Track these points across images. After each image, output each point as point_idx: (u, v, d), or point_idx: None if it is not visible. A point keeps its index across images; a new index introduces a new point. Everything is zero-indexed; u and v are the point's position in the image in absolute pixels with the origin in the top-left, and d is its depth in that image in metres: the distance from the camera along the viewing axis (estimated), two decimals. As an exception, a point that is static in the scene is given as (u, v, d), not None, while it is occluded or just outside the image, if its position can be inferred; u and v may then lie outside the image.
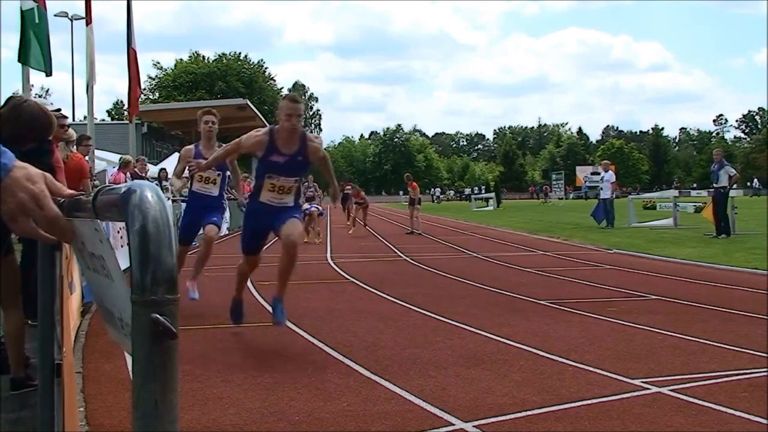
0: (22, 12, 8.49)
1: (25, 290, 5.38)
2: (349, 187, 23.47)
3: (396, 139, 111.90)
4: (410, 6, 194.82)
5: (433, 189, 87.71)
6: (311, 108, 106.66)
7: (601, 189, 20.40)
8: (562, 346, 5.11)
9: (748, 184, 76.78)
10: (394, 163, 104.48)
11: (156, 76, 66.17)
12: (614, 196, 20.34)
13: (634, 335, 5.52)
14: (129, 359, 1.04)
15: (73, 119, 31.39)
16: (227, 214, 21.25)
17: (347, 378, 4.33)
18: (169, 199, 12.82)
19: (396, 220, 26.83)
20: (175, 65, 67.74)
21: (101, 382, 4.27)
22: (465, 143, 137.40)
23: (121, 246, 8.61)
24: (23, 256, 5.39)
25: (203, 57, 70.23)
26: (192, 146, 7.15)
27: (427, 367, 4.55)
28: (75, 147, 7.84)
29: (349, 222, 21.22)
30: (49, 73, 9.14)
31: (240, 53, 71.80)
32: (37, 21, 8.74)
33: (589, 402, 3.77)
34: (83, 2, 11.74)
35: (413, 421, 3.50)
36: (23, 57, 8.52)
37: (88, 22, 11.73)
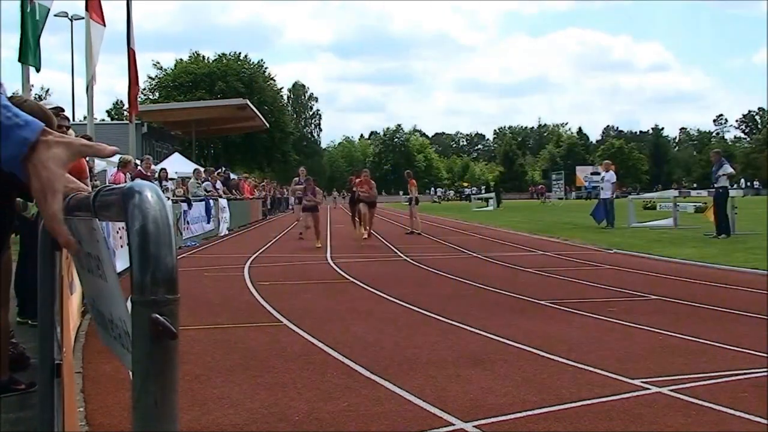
0: (23, 11, 8.48)
1: (24, 290, 5.38)
2: (359, 179, 18.05)
3: (396, 140, 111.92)
4: (410, 6, 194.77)
5: (434, 189, 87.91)
6: (311, 108, 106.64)
7: (602, 189, 20.38)
8: (562, 346, 5.10)
9: (748, 184, 76.70)
10: (394, 163, 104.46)
11: (156, 76, 66.14)
12: (614, 196, 20.33)
13: (634, 335, 5.52)
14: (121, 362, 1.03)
15: (73, 119, 31.36)
16: (227, 214, 21.21)
17: (347, 378, 4.33)
18: (169, 199, 12.84)
19: (396, 220, 26.81)
20: (175, 65, 67.65)
21: (101, 382, 4.27)
22: (465, 143, 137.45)
23: (121, 246, 8.61)
24: (21, 255, 5.39)
25: (203, 57, 70.17)
26: None
27: (427, 367, 4.54)
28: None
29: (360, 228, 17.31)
30: (38, 69, 9.13)
31: (240, 53, 71.79)
32: (38, 17, 8.74)
33: (589, 402, 3.77)
34: (83, 2, 11.73)
35: (413, 421, 3.50)
36: (23, 57, 8.52)
37: (101, 21, 11.71)
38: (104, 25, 11.80)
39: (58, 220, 1.01)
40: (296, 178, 17.77)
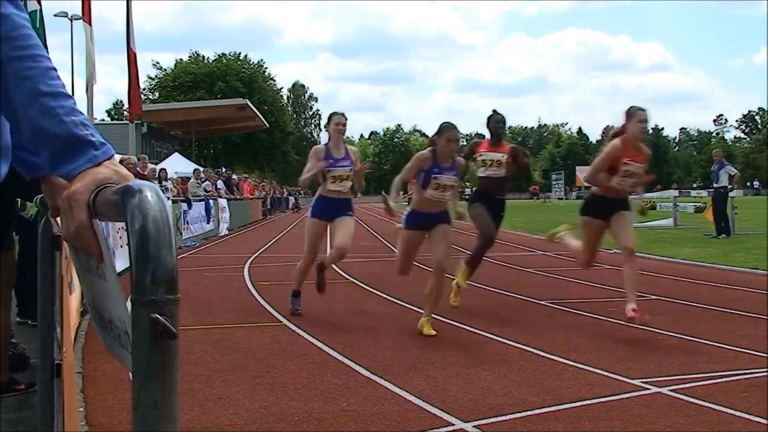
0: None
1: (24, 290, 5.37)
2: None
3: (396, 139, 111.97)
4: (410, 6, 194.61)
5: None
6: (311, 108, 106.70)
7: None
8: (562, 346, 5.11)
9: (748, 184, 76.75)
10: (394, 163, 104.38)
11: (156, 76, 66.11)
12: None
13: (634, 335, 5.52)
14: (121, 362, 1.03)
15: (73, 119, 31.25)
16: (227, 214, 21.23)
17: (347, 378, 4.33)
18: (169, 198, 12.83)
19: (396, 220, 26.81)
20: (175, 65, 67.64)
21: (101, 382, 4.27)
22: (465, 143, 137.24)
23: (121, 246, 8.61)
24: (20, 255, 5.37)
25: (203, 57, 70.16)
26: None
27: (427, 367, 4.54)
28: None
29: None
30: None
31: (240, 53, 71.81)
32: (37, 25, 8.71)
33: (589, 402, 3.77)
34: (82, 2, 11.73)
35: (413, 421, 3.50)
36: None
37: (87, 21, 11.69)
38: (90, 24, 11.74)
39: (89, 229, 1.00)
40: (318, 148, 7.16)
